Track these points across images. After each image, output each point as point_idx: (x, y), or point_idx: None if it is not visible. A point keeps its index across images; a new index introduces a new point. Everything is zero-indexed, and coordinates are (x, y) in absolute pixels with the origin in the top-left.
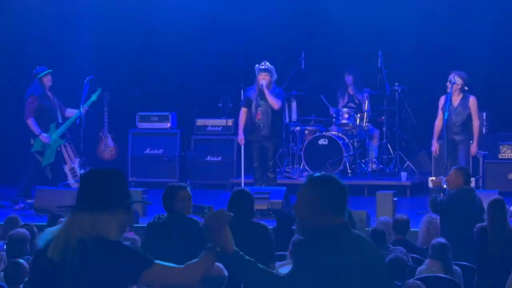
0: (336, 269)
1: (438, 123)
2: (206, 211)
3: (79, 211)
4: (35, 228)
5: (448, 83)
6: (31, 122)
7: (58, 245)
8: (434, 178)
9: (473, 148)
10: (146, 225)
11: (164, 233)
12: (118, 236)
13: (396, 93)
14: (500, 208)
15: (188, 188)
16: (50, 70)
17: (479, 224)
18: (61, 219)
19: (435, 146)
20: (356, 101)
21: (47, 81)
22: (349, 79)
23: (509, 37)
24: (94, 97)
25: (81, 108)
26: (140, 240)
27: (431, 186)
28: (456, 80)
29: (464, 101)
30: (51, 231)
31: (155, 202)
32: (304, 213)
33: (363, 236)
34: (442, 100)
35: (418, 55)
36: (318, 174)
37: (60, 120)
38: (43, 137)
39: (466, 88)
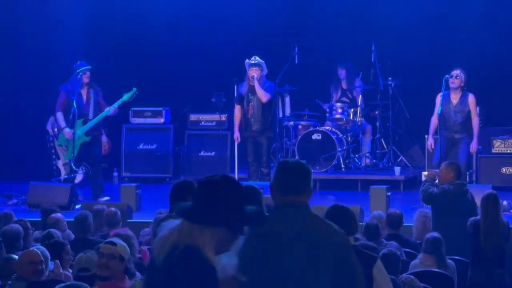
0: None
1: (435, 120)
2: None
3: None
4: (28, 224)
5: (454, 79)
6: (58, 116)
7: (157, 247)
8: (427, 172)
9: (473, 145)
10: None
11: None
12: (213, 251)
13: (390, 87)
14: (493, 202)
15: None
16: (89, 67)
17: (473, 218)
18: (53, 215)
19: (430, 141)
20: (350, 95)
21: (85, 77)
22: (342, 72)
23: (502, 32)
24: (126, 97)
25: (109, 108)
26: (134, 236)
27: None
28: (461, 76)
29: (464, 99)
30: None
31: (148, 198)
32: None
33: (319, 217)
34: (439, 97)
35: (411, 49)
36: (285, 159)
37: (90, 117)
38: (66, 132)
39: (465, 87)
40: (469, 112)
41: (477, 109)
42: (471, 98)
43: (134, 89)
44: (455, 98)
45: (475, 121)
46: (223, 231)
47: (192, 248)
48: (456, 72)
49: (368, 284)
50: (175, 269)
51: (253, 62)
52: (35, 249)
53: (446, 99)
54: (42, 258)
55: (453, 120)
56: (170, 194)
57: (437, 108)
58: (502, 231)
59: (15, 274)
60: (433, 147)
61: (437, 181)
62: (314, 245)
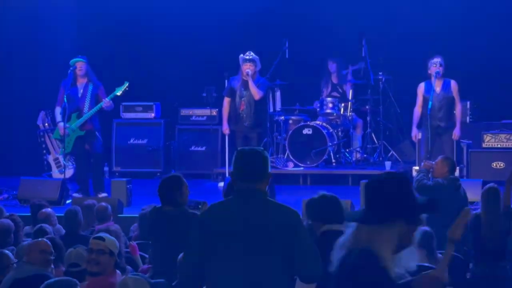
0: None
1: (418, 110)
2: (200, 206)
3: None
4: (19, 219)
5: (438, 67)
6: (55, 111)
7: (334, 254)
8: (424, 163)
9: (456, 132)
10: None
11: (171, 227)
12: (391, 250)
13: (380, 82)
14: (494, 195)
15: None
16: (79, 59)
17: (473, 212)
18: (43, 210)
19: (414, 132)
20: (340, 90)
21: (78, 70)
22: (332, 66)
23: (493, 26)
24: (117, 91)
25: (102, 102)
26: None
27: (415, 175)
28: (443, 63)
29: (446, 85)
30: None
31: (139, 192)
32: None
33: (275, 201)
34: (422, 87)
35: (402, 44)
36: (242, 148)
37: (85, 111)
38: (60, 126)
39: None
40: (453, 98)
41: (467, 103)
42: (453, 84)
43: (126, 82)
44: (437, 85)
45: (458, 108)
46: (401, 225)
47: (366, 251)
48: (438, 59)
49: None
50: (348, 274)
51: (247, 57)
52: (45, 240)
53: (430, 88)
54: (52, 250)
55: (437, 108)
56: (159, 187)
57: (420, 99)
58: (503, 224)
59: (23, 259)
60: (418, 137)
61: (430, 175)
62: (265, 227)
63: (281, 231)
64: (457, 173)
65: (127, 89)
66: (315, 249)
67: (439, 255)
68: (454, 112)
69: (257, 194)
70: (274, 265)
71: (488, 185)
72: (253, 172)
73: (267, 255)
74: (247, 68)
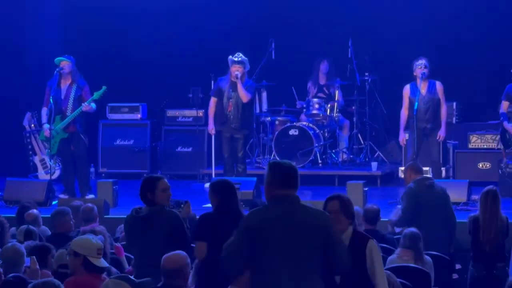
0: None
1: (405, 113)
2: (182, 205)
3: None
4: (4, 220)
5: (423, 68)
6: (41, 111)
7: None
8: (403, 168)
9: (441, 133)
10: (124, 219)
11: (146, 227)
12: None
13: (366, 83)
14: (492, 198)
15: (166, 179)
16: (63, 58)
17: (472, 214)
18: (29, 211)
19: (402, 136)
20: (327, 91)
21: (62, 71)
22: (324, 67)
23: (479, 27)
24: (96, 96)
25: (82, 105)
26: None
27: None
28: (428, 65)
29: (431, 87)
30: None
31: (125, 193)
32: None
33: (308, 205)
34: (407, 89)
35: (388, 45)
36: (277, 161)
37: (68, 113)
38: (44, 128)
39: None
40: (439, 100)
41: (453, 104)
42: (439, 86)
43: (104, 87)
44: (423, 87)
45: (443, 109)
46: None
47: None
48: (423, 61)
49: (361, 260)
50: None
51: (236, 59)
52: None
53: (415, 90)
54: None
55: (423, 110)
56: (140, 187)
57: (406, 101)
58: (501, 227)
59: None
60: (405, 142)
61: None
62: (304, 228)
63: (317, 230)
64: (443, 174)
65: (105, 93)
66: (344, 245)
67: (426, 257)
68: (439, 113)
69: (295, 199)
70: (313, 262)
71: (487, 188)
72: (293, 181)
73: (308, 253)
74: (236, 70)
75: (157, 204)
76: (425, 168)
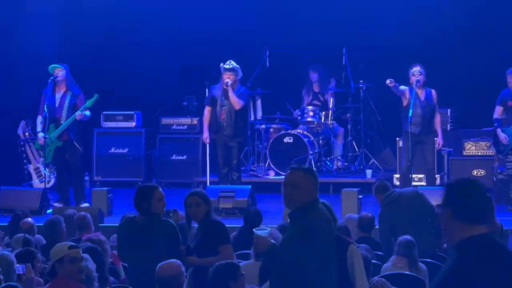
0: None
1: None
2: (171, 214)
3: None
4: None
5: (418, 75)
6: (37, 120)
7: None
8: (399, 175)
9: (440, 140)
10: (118, 226)
11: (143, 237)
12: None
13: (361, 90)
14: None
15: (160, 188)
16: (57, 65)
17: None
18: (24, 220)
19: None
20: (321, 98)
21: (57, 79)
22: (314, 76)
23: (474, 34)
24: (88, 104)
25: (75, 113)
26: (106, 241)
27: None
28: (423, 72)
29: (428, 94)
30: None
31: (120, 202)
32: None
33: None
34: (407, 91)
35: (382, 52)
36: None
37: (62, 121)
38: (39, 136)
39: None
40: (434, 107)
41: (447, 111)
42: (434, 94)
43: (96, 95)
44: (420, 94)
45: (438, 117)
46: None
47: None
48: (417, 68)
49: (341, 264)
50: None
51: (227, 67)
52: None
53: (413, 95)
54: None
55: (421, 116)
56: (135, 196)
57: (405, 103)
58: (496, 232)
59: None
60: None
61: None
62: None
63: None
64: (438, 181)
65: (97, 100)
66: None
67: (421, 264)
68: (434, 120)
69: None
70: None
71: None
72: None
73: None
74: (227, 78)
75: (151, 213)
76: (419, 175)
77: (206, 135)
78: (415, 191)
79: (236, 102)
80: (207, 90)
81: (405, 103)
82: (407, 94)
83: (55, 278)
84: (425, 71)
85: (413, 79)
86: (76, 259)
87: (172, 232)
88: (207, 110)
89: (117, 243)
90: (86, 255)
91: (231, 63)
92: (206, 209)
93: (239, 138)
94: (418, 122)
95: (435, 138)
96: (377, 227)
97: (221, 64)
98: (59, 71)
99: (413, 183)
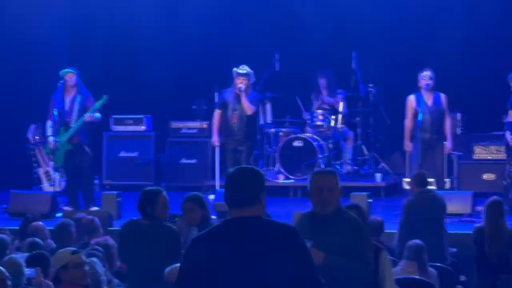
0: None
1: (409, 123)
2: (176, 219)
3: None
4: (8, 233)
5: (427, 80)
6: (46, 124)
7: None
8: (409, 179)
9: (449, 145)
10: (120, 230)
11: (146, 242)
12: None
13: (370, 94)
14: (498, 208)
15: (165, 192)
16: (69, 70)
17: (477, 225)
18: (34, 223)
19: (408, 146)
20: (330, 103)
21: (68, 81)
22: (322, 82)
23: (483, 38)
24: (97, 105)
25: (84, 115)
26: (115, 245)
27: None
28: (433, 76)
29: (436, 98)
30: None
31: (129, 205)
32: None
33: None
34: (412, 99)
35: (392, 56)
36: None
37: (72, 124)
38: (49, 141)
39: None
40: (444, 111)
41: (457, 115)
42: (443, 98)
43: (105, 96)
44: (428, 98)
45: (448, 121)
46: None
47: None
48: (428, 73)
49: (375, 270)
50: None
51: (241, 72)
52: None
53: (420, 100)
54: (7, 274)
55: (430, 121)
56: (139, 199)
57: (410, 111)
58: (506, 237)
59: None
60: (410, 148)
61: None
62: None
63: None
64: (447, 185)
65: (106, 102)
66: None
67: (430, 269)
68: (444, 125)
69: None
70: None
71: (491, 198)
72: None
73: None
74: (240, 83)
75: (156, 217)
76: (430, 180)
77: (215, 138)
78: (443, 203)
79: (249, 107)
80: (216, 93)
81: (410, 111)
82: (413, 103)
83: (60, 285)
84: (435, 76)
85: (423, 83)
86: (80, 264)
87: (175, 238)
88: (217, 114)
89: (118, 244)
90: (94, 259)
91: (244, 68)
92: (201, 214)
93: (249, 143)
94: (426, 127)
95: (444, 142)
96: (386, 231)
97: (234, 69)
98: (71, 76)
99: None
